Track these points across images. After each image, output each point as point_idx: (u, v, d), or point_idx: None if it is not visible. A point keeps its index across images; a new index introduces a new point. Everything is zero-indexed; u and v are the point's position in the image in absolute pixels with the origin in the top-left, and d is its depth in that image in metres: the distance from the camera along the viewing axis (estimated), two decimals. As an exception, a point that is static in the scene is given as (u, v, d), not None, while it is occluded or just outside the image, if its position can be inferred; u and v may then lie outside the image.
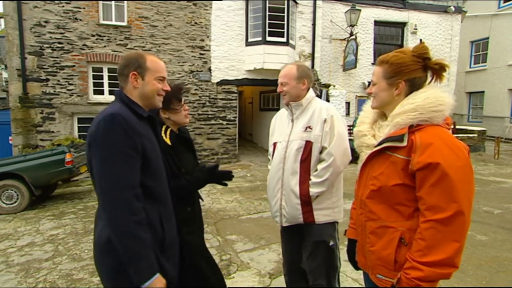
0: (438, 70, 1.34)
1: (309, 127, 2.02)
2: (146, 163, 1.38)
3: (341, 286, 2.23)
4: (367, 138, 1.46)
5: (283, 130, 2.15)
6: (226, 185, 2.09)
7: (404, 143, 1.26)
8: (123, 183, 1.28)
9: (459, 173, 1.19)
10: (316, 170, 1.99)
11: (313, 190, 1.98)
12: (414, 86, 1.36)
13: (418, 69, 1.35)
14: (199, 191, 2.14)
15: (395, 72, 1.37)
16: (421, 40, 11.45)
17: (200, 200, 2.17)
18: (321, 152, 1.99)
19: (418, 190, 1.25)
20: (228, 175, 2.04)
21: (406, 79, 1.35)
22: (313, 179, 1.99)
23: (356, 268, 1.58)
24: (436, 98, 1.29)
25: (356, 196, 1.55)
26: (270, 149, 2.25)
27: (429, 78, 1.38)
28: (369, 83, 1.57)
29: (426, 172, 1.21)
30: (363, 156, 1.45)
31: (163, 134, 1.96)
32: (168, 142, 1.95)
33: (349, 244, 1.63)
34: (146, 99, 1.49)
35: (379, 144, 1.35)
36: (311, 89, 2.13)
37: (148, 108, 1.52)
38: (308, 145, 1.99)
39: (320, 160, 2.00)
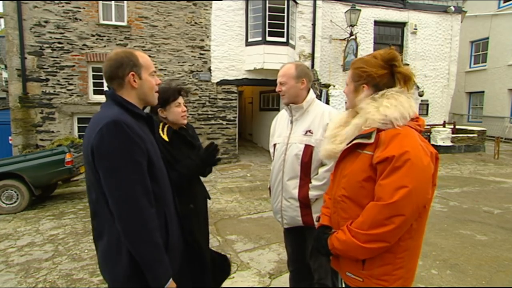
0: (403, 78, 1.37)
1: (309, 131, 2.01)
2: (150, 167, 1.35)
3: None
4: (336, 139, 1.52)
5: (283, 132, 2.15)
6: (215, 164, 2.16)
7: (372, 140, 1.32)
8: (137, 192, 1.25)
9: (416, 171, 1.22)
10: (317, 173, 2.00)
11: (312, 193, 1.99)
12: (380, 90, 1.38)
13: (384, 74, 1.38)
14: (207, 189, 2.22)
15: (360, 75, 1.42)
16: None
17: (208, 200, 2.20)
18: None
19: (377, 180, 1.29)
20: (217, 159, 2.14)
21: (370, 83, 1.40)
22: (314, 182, 2.00)
23: (328, 255, 1.48)
24: (405, 109, 1.31)
25: (330, 195, 1.57)
26: (271, 150, 2.26)
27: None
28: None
29: (385, 164, 1.25)
30: (336, 156, 1.50)
31: (160, 131, 1.98)
32: (166, 138, 1.96)
33: (320, 231, 1.52)
34: (144, 97, 1.45)
35: (350, 141, 1.40)
36: (311, 91, 2.11)
37: (144, 106, 1.49)
38: (308, 148, 1.99)
39: (321, 164, 2.00)
